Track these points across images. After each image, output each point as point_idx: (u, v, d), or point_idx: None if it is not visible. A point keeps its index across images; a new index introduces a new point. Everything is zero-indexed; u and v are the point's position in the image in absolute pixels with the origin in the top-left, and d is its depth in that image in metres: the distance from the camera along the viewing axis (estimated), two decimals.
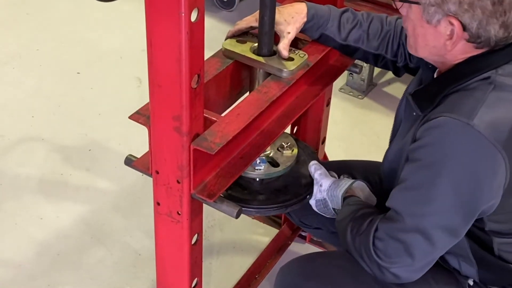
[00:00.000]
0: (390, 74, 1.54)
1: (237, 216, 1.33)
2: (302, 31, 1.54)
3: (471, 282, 1.42)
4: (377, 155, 1.66)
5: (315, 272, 1.50)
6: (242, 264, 2.10)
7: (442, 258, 1.43)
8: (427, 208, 1.26)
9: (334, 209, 1.54)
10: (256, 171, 1.54)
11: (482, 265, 1.39)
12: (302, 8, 1.52)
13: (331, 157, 2.11)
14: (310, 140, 1.91)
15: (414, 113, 1.35)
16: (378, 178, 1.66)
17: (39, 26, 3.40)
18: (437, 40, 1.28)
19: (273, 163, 1.58)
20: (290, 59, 1.49)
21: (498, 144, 1.21)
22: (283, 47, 1.48)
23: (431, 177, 1.24)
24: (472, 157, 1.22)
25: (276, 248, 2.12)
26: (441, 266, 1.44)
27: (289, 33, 1.49)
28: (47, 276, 2.07)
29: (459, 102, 1.25)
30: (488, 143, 1.20)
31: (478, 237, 1.36)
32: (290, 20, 1.50)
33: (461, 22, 1.23)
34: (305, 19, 1.52)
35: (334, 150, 2.29)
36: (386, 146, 1.54)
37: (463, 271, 1.42)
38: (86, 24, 3.45)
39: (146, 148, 1.36)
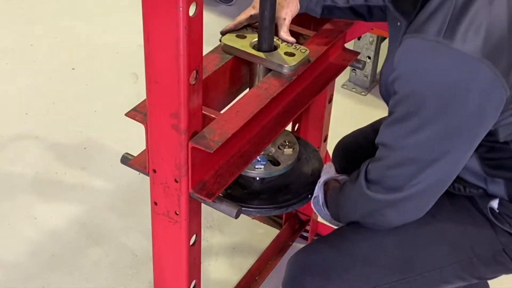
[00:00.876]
0: None
1: (236, 216, 1.31)
2: (305, 11, 1.53)
3: (495, 204, 1.34)
4: None
5: (315, 265, 1.46)
6: (241, 266, 2.08)
7: (465, 181, 1.36)
8: (417, 137, 1.20)
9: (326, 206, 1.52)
10: (256, 170, 1.51)
11: (509, 180, 1.32)
12: None
13: None
14: (311, 138, 1.89)
15: (398, 23, 1.27)
16: None
17: (33, 21, 3.37)
18: None
19: (274, 161, 1.55)
20: (291, 54, 1.47)
21: (476, 53, 1.11)
22: (285, 34, 1.48)
23: (415, 106, 1.18)
24: (450, 76, 1.13)
25: (277, 249, 2.10)
26: (454, 203, 1.38)
27: (285, 19, 1.49)
28: (41, 278, 2.05)
29: (429, 16, 1.16)
30: (464, 56, 1.11)
31: (493, 152, 1.28)
32: (284, 3, 1.49)
33: None
34: None
35: None
36: None
37: (490, 190, 1.34)
38: (81, 18, 3.43)
39: (143, 146, 1.34)
